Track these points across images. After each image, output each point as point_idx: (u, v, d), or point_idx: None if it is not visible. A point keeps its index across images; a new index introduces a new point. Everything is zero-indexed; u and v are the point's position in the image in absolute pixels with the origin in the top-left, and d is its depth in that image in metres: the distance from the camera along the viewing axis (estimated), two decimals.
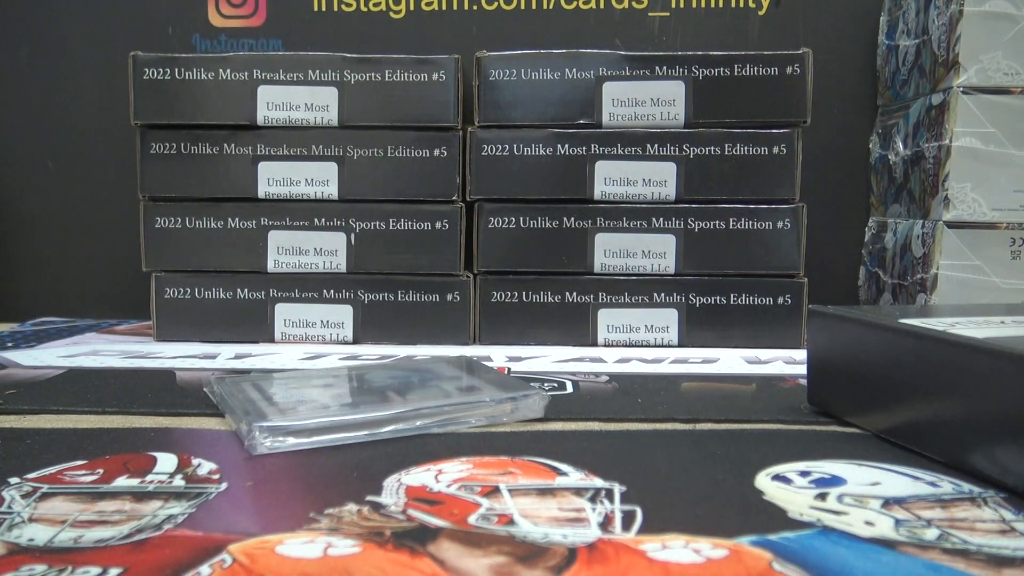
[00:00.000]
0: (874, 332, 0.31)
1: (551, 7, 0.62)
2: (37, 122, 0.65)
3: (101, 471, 0.27)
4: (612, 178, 0.51)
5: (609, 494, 0.25)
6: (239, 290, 0.52)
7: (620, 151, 0.51)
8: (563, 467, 0.28)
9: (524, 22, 0.63)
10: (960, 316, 0.31)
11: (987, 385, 0.26)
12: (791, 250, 0.51)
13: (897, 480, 0.26)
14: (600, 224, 0.51)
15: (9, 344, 0.51)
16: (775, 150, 0.50)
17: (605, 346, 0.51)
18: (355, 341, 0.52)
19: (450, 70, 0.51)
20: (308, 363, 0.46)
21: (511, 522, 0.23)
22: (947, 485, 0.26)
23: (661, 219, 0.51)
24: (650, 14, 0.62)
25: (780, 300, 0.51)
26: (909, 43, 0.56)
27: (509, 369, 0.44)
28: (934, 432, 0.28)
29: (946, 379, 0.27)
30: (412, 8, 0.63)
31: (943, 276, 0.51)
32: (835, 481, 0.26)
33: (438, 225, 0.51)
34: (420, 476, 0.27)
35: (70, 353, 0.48)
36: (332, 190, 0.52)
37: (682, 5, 0.62)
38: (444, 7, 0.63)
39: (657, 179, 0.51)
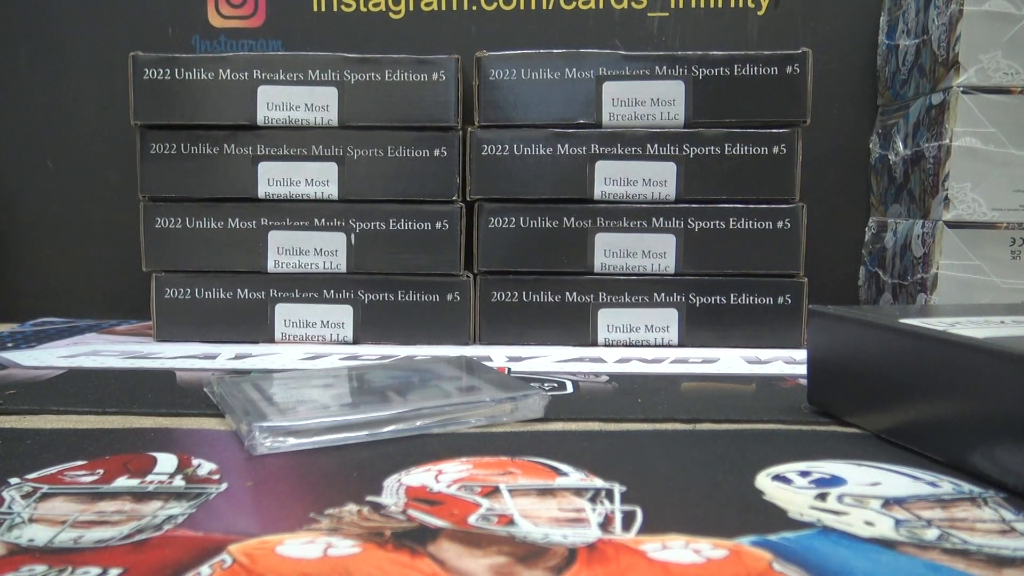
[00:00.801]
0: (874, 332, 0.31)
1: (551, 7, 0.62)
2: (37, 122, 0.65)
3: (101, 471, 0.27)
4: (612, 178, 0.51)
5: (609, 494, 0.25)
6: (239, 290, 0.52)
7: (620, 151, 0.51)
8: (563, 467, 0.28)
9: (524, 22, 0.63)
10: (960, 316, 0.31)
11: (987, 385, 0.26)
12: (791, 250, 0.51)
13: (897, 480, 0.26)
14: (600, 224, 0.51)
15: (9, 344, 0.51)
16: (775, 150, 0.50)
17: (605, 346, 0.51)
18: (355, 341, 0.52)
19: (450, 70, 0.51)
20: (308, 363, 0.46)
21: (511, 522, 0.23)
22: (947, 485, 0.26)
23: (661, 219, 0.51)
24: (650, 14, 0.62)
25: (780, 300, 0.51)
26: (909, 43, 0.56)
27: (509, 369, 0.44)
28: (934, 432, 0.28)
29: (946, 379, 0.27)
30: (412, 8, 0.63)
31: (943, 276, 0.51)
32: (835, 481, 0.26)
33: (438, 225, 0.51)
34: (420, 476, 0.27)
35: (70, 353, 0.48)
36: (332, 190, 0.52)
37: (682, 5, 0.62)
38: (444, 7, 0.63)
39: (657, 179, 0.51)
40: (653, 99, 0.51)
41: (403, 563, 0.20)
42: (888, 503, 0.24)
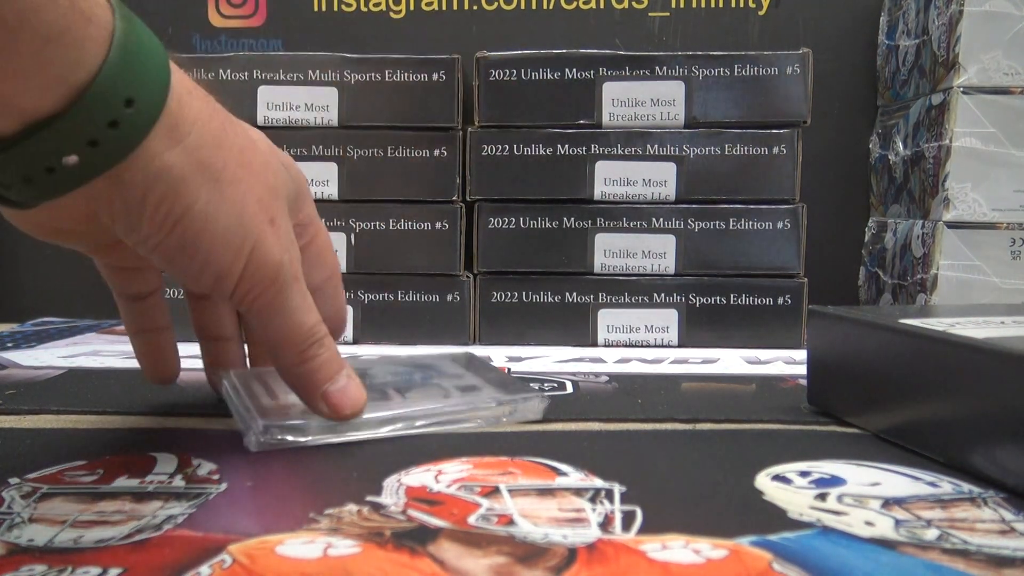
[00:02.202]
0: (874, 332, 0.31)
1: (551, 7, 0.62)
2: None
3: (101, 471, 0.27)
4: (612, 178, 0.51)
5: (609, 494, 0.25)
6: None
7: (620, 151, 0.51)
8: (563, 467, 0.28)
9: (524, 22, 0.63)
10: (960, 316, 0.31)
11: (987, 385, 0.26)
12: (791, 250, 0.51)
13: (897, 480, 0.26)
14: (600, 224, 0.51)
15: (9, 344, 0.51)
16: (775, 150, 0.50)
17: (605, 346, 0.51)
18: (355, 341, 0.52)
19: (450, 70, 0.51)
20: None
21: (511, 522, 0.23)
22: (947, 485, 0.26)
23: (661, 219, 0.51)
24: (650, 14, 0.62)
25: (780, 300, 0.51)
26: (909, 43, 0.56)
27: (509, 369, 0.44)
28: (934, 432, 0.28)
29: (946, 379, 0.27)
30: (412, 8, 0.63)
31: (943, 276, 0.51)
32: (835, 481, 0.26)
33: (438, 225, 0.51)
34: (420, 476, 0.27)
35: (70, 353, 0.48)
36: (332, 190, 0.52)
37: (682, 5, 0.62)
38: (444, 7, 0.63)
39: (657, 179, 0.51)
40: (653, 99, 0.51)
41: (403, 563, 0.20)
42: (888, 503, 0.24)
